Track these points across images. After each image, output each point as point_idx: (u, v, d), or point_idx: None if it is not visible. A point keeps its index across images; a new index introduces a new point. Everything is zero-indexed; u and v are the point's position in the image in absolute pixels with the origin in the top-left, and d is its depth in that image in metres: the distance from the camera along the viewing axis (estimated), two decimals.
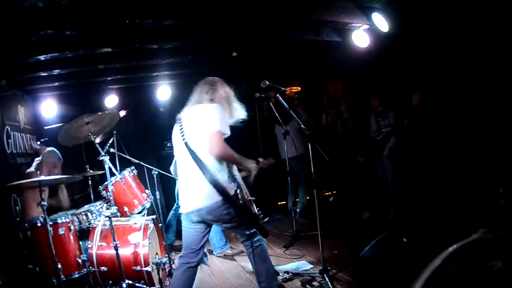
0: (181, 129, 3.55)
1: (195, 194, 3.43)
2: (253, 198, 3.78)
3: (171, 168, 5.45)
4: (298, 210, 7.43)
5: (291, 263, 5.39)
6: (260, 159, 3.80)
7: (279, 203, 8.99)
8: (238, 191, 3.44)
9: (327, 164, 5.27)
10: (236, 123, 3.73)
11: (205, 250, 3.71)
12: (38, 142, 6.36)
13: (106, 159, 4.34)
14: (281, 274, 4.80)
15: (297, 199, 8.17)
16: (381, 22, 5.15)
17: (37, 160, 5.18)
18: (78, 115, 4.19)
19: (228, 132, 3.45)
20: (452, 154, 5.82)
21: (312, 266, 5.16)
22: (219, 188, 3.33)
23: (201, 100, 3.62)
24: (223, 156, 3.39)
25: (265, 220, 3.70)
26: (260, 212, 3.70)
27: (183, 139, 3.48)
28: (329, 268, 4.62)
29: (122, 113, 5.95)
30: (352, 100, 8.71)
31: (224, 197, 3.33)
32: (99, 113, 4.26)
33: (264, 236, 3.62)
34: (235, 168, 3.79)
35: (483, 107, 5.44)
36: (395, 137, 6.89)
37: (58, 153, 5.29)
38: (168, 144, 8.35)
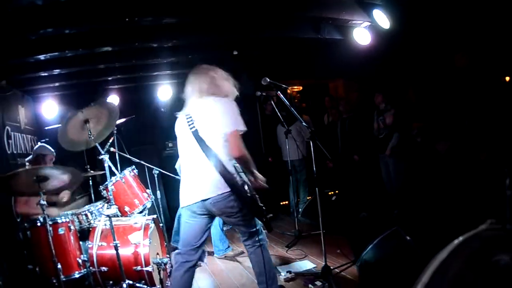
0: (188, 118, 3.49)
1: (201, 185, 3.39)
2: (257, 195, 3.72)
3: (177, 166, 5.41)
4: (300, 209, 7.39)
5: (294, 262, 5.35)
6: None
7: (281, 203, 8.94)
8: (245, 184, 3.42)
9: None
10: None
11: (204, 249, 3.66)
12: (39, 143, 6.35)
13: (106, 158, 4.32)
14: (283, 274, 4.76)
15: (299, 199, 8.12)
16: (382, 18, 5.12)
17: (28, 159, 5.21)
18: None
19: (244, 128, 3.41)
20: (456, 148, 5.76)
21: (314, 265, 5.12)
22: (228, 178, 3.31)
23: (203, 91, 3.57)
24: (242, 157, 3.36)
25: (269, 216, 3.64)
26: (264, 208, 3.64)
27: (191, 128, 3.43)
28: (331, 267, 4.57)
29: (121, 121, 5.89)
30: (354, 100, 8.65)
31: (232, 188, 3.31)
32: (92, 105, 4.17)
33: (269, 230, 3.57)
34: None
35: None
36: (397, 135, 6.82)
37: (49, 146, 5.25)
38: (170, 144, 8.34)
